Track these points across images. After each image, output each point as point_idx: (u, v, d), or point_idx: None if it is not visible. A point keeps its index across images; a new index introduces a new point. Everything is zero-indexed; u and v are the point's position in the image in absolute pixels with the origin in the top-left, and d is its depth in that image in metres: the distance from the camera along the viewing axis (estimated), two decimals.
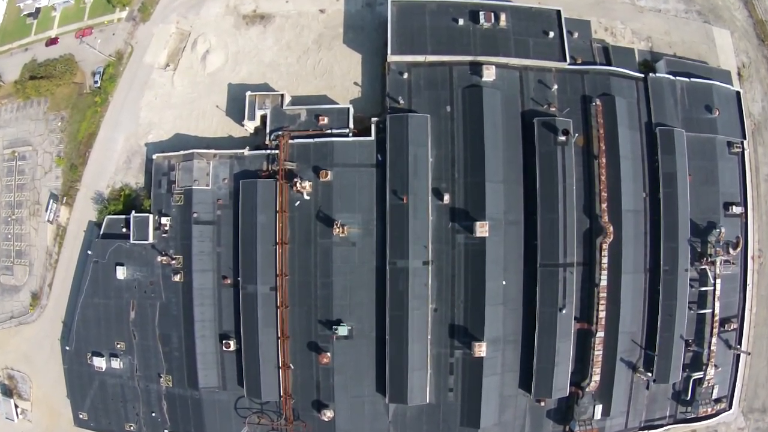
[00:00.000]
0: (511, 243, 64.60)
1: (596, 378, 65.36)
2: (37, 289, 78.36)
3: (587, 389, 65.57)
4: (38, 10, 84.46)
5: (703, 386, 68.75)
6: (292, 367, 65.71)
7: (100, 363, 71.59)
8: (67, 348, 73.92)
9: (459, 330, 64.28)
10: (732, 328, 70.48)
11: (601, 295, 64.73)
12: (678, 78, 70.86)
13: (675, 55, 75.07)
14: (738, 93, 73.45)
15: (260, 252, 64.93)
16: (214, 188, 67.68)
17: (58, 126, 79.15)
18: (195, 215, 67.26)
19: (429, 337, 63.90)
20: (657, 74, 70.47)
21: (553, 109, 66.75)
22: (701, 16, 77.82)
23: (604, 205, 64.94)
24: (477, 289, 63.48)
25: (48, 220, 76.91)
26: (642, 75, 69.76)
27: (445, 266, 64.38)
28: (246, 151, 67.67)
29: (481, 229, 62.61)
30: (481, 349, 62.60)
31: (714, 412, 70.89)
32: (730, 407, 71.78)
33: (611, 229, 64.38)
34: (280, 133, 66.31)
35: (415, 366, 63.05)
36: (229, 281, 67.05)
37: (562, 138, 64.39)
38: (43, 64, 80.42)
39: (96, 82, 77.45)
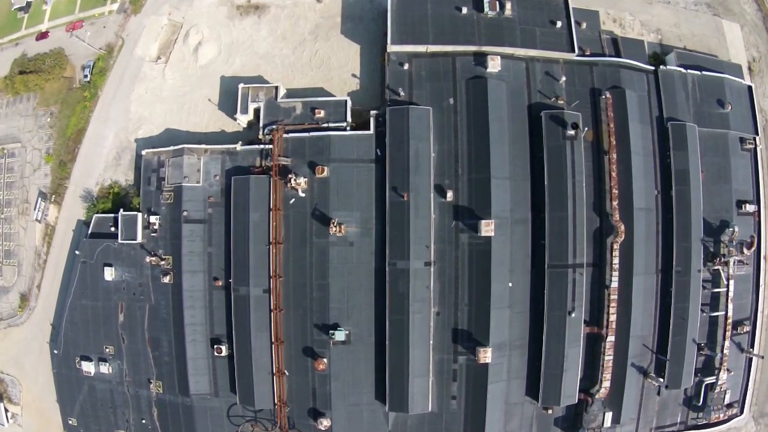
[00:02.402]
0: (517, 243, 57.83)
1: (606, 384, 58.98)
2: (25, 290, 71.49)
3: (597, 396, 59.07)
4: (29, 3, 77.78)
5: (716, 391, 62.65)
6: (287, 373, 58.94)
7: (88, 367, 65.00)
8: (56, 351, 67.40)
9: (463, 335, 57.53)
10: (744, 330, 64.25)
11: (612, 297, 58.24)
12: (689, 71, 64.18)
13: (685, 48, 68.26)
14: (750, 87, 67.12)
15: (253, 252, 58.16)
16: (204, 185, 60.80)
17: (47, 122, 72.14)
18: (185, 213, 60.43)
19: (431, 342, 57.19)
20: (668, 67, 63.67)
21: (561, 102, 60.07)
22: (710, 9, 71.05)
23: (615, 203, 58.38)
24: (482, 292, 56.75)
25: (36, 219, 70.10)
26: (652, 68, 63.08)
27: (448, 267, 57.57)
28: (238, 146, 60.80)
29: (487, 228, 55.86)
30: (485, 355, 56.00)
31: (726, 417, 64.63)
32: (741, 412, 65.43)
33: (623, 228, 57.95)
34: (274, 127, 59.50)
35: (416, 372, 56.43)
36: (220, 283, 60.27)
37: (571, 132, 57.76)
38: (33, 59, 73.69)
39: (86, 76, 70.54)
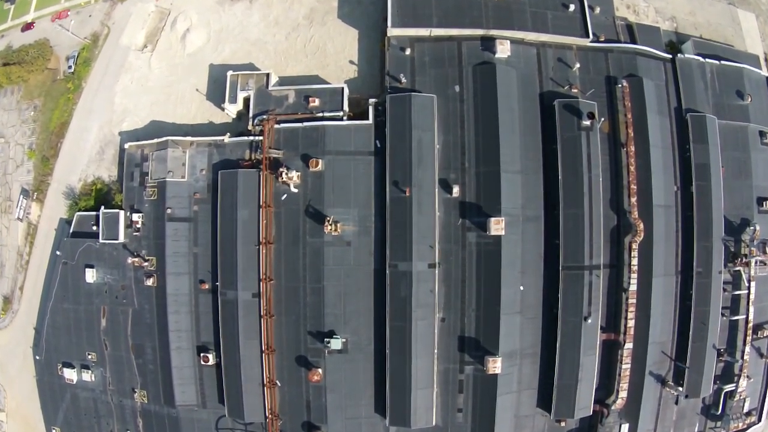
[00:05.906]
0: (529, 242, 48.96)
1: (623, 394, 50.41)
2: (8, 292, 62.26)
3: (613, 407, 50.49)
4: None
5: (735, 399, 53.98)
6: (279, 384, 50.04)
7: (70, 375, 56.18)
8: (38, 357, 58.55)
9: (470, 343, 48.76)
10: (764, 335, 55.26)
11: (630, 301, 49.46)
12: (707, 60, 55.45)
13: (701, 36, 59.40)
14: None
15: (241, 253, 49.24)
16: (190, 180, 51.77)
17: (31, 116, 62.95)
18: (169, 211, 51.42)
19: (435, 350, 48.44)
20: (686, 55, 54.74)
21: (575, 90, 51.16)
22: None
23: (633, 200, 49.65)
24: (491, 296, 48.01)
25: (18, 218, 60.87)
26: (670, 56, 54.34)
27: (454, 269, 48.80)
28: (226, 138, 51.67)
29: (496, 227, 47.16)
30: (495, 365, 47.28)
31: (745, 426, 56.05)
32: (759, 420, 56.75)
33: (641, 226, 49.28)
34: (264, 117, 50.46)
35: (419, 384, 47.80)
36: (207, 286, 51.22)
37: (587, 122, 48.92)
38: (17, 51, 64.25)
39: (70, 67, 61.43)
